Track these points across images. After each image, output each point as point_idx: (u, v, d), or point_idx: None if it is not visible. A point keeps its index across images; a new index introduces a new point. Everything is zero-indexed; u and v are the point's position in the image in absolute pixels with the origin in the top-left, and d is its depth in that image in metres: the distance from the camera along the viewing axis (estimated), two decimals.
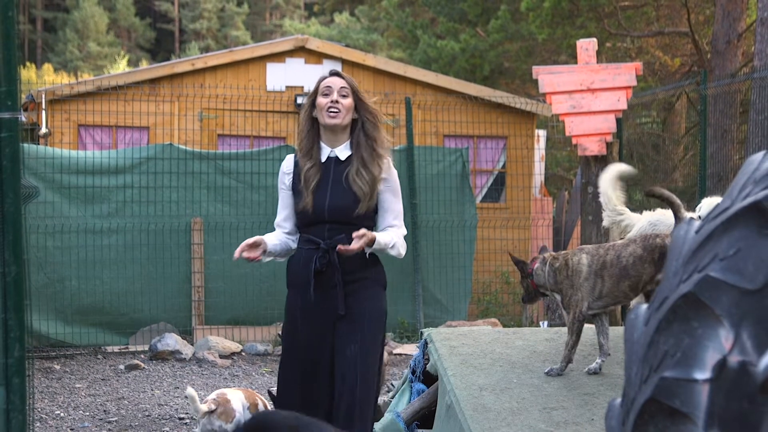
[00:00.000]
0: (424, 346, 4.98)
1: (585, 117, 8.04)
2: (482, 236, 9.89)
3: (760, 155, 1.17)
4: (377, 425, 4.41)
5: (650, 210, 5.78)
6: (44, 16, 42.44)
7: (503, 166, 11.09)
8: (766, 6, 8.92)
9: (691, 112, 13.69)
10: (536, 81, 8.33)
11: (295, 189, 3.59)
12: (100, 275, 8.37)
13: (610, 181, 5.47)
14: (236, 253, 3.50)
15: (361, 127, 3.56)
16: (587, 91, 8.03)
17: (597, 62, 8.17)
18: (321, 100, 3.53)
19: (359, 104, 3.56)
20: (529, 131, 11.08)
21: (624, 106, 8.09)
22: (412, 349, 7.60)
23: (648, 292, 4.39)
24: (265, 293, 8.72)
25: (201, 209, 8.68)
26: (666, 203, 4.41)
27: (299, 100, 10.61)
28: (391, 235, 3.56)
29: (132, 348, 8.28)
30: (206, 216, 8.68)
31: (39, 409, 5.93)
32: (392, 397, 5.11)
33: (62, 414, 6.03)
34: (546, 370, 4.41)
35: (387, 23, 23.92)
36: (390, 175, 3.61)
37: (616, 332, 5.33)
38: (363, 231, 3.39)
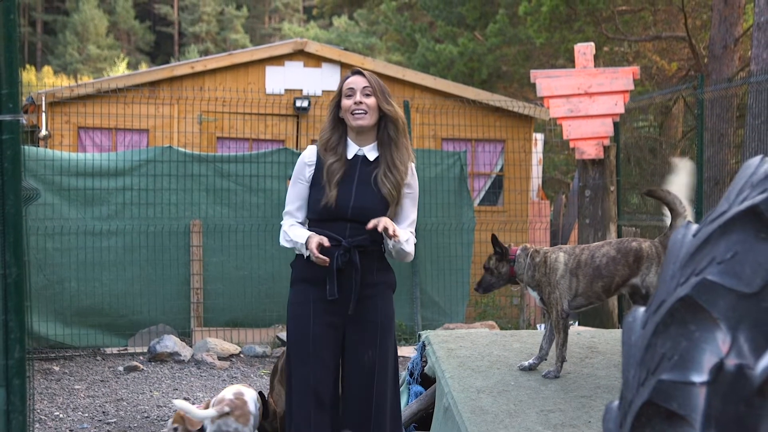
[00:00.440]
0: (422, 348, 5.01)
1: (582, 121, 8.07)
2: (480, 239, 9.91)
3: (757, 159, 1.18)
4: None
5: (648, 213, 5.82)
6: (44, 18, 42.46)
7: (501, 170, 11.12)
8: (762, 11, 8.96)
9: (687, 116, 13.74)
10: (534, 85, 8.36)
11: (316, 182, 3.52)
12: (99, 277, 8.39)
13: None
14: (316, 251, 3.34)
15: (385, 126, 3.53)
16: (585, 94, 8.06)
17: (594, 66, 8.21)
18: (345, 102, 3.50)
19: (381, 104, 3.50)
20: (526, 135, 11.12)
21: (621, 109, 8.13)
22: (410, 352, 7.62)
23: (631, 294, 4.49)
24: (263, 295, 8.74)
25: (200, 211, 8.70)
26: (663, 203, 4.44)
27: (298, 103, 10.64)
28: (406, 232, 3.52)
29: (131, 349, 8.30)
30: (205, 218, 8.71)
31: (38, 410, 5.95)
32: None
33: (61, 415, 6.05)
34: (543, 373, 4.42)
35: (385, 27, 23.95)
36: (413, 181, 3.57)
37: (613, 335, 5.37)
38: (384, 221, 3.35)
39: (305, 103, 10.61)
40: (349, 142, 3.54)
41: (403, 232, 3.46)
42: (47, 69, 34.85)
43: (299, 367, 3.46)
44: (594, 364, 4.94)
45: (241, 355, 8.21)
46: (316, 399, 3.41)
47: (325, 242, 3.35)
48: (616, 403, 1.23)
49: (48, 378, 7.17)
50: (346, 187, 3.46)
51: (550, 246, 10.92)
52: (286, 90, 10.82)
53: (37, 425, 5.63)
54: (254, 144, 10.58)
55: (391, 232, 3.32)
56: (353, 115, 3.46)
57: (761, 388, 0.99)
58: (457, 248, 9.23)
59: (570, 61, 11.73)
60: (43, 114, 9.84)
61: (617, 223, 8.55)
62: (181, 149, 8.90)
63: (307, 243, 3.40)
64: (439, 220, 9.19)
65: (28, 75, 29.42)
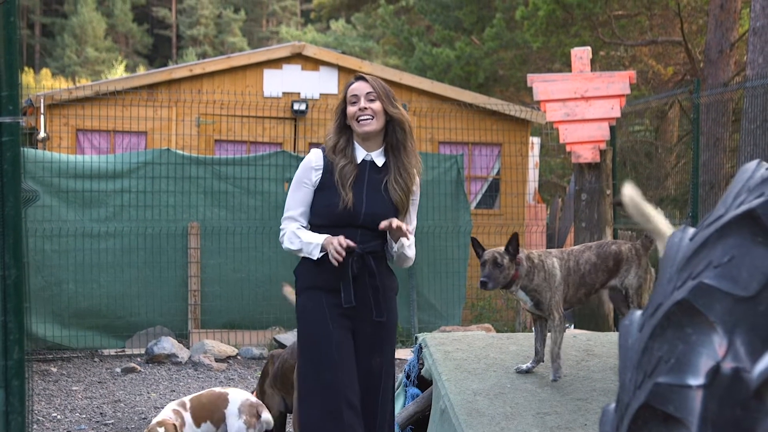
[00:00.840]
0: (419, 350, 5.02)
1: (579, 125, 8.09)
2: None
3: (753, 164, 1.18)
4: None
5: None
6: (42, 21, 42.45)
7: (497, 173, 11.15)
8: (758, 16, 9.00)
9: (683, 120, 13.78)
10: (531, 89, 8.38)
11: (324, 186, 3.44)
12: (97, 279, 8.40)
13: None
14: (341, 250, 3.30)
15: (393, 130, 3.49)
16: (581, 99, 8.08)
17: (591, 71, 8.23)
18: (350, 109, 3.46)
19: (387, 107, 3.47)
20: (523, 138, 11.16)
21: (618, 114, 8.15)
22: (406, 354, 7.65)
23: (610, 293, 4.59)
24: (260, 298, 8.76)
25: (198, 214, 8.73)
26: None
27: (296, 106, 10.68)
28: (411, 238, 3.54)
29: (128, 351, 8.31)
30: (203, 220, 8.73)
31: (36, 412, 5.96)
32: None
33: (59, 416, 6.06)
34: (552, 378, 4.38)
35: (383, 31, 23.99)
36: (418, 189, 3.57)
37: (609, 338, 5.39)
38: (393, 220, 3.35)
39: (303, 106, 10.64)
40: (357, 146, 3.49)
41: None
42: (45, 71, 34.85)
43: (325, 374, 3.35)
44: (590, 367, 4.96)
45: (238, 357, 8.23)
46: (348, 404, 3.34)
47: (351, 243, 3.30)
48: (613, 405, 1.24)
49: (46, 379, 7.18)
50: (356, 192, 3.40)
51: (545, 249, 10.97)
52: (283, 93, 10.85)
53: (35, 426, 5.64)
54: (252, 147, 10.60)
55: (404, 229, 3.33)
56: (359, 121, 3.42)
57: (758, 391, 0.99)
58: (454, 251, 9.26)
59: (566, 66, 11.77)
60: (42, 116, 9.86)
61: (613, 227, 8.58)
62: (179, 152, 8.92)
63: (325, 244, 3.33)
64: (435, 223, 9.22)
65: (27, 77, 29.43)
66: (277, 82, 10.87)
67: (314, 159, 3.49)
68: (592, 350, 5.21)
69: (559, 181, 16.48)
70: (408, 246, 3.48)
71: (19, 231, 4.01)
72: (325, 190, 3.43)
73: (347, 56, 12.13)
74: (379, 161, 3.48)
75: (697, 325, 1.08)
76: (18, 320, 4.01)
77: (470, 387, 4.51)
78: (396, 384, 4.35)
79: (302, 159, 9.06)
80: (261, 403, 4.64)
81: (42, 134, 9.84)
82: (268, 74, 10.88)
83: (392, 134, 3.48)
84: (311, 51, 11.05)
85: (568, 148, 8.17)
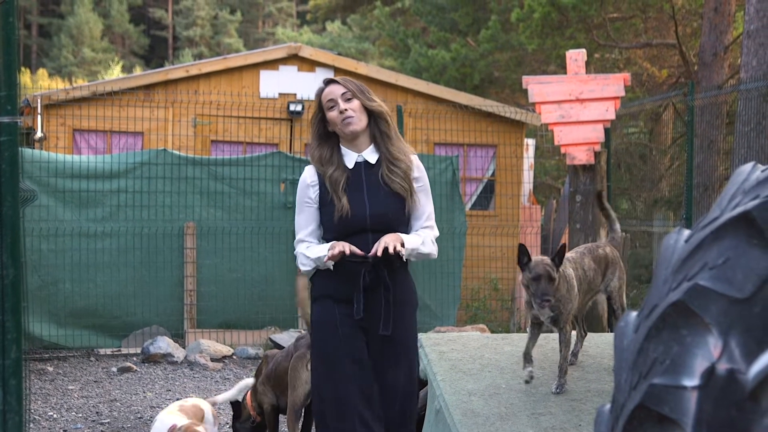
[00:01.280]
0: None
1: (574, 126, 8.12)
2: (471, 243, 9.99)
3: (748, 166, 1.19)
4: None
5: (638, 218, 6.01)
6: (39, 21, 42.44)
7: (492, 174, 11.19)
8: (752, 19, 9.06)
9: (677, 122, 13.84)
10: (526, 90, 8.41)
11: (324, 200, 3.35)
12: (93, 278, 8.42)
13: None
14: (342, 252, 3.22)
15: (375, 124, 3.39)
16: (576, 101, 8.12)
17: (586, 73, 8.27)
18: (331, 115, 3.35)
19: (365, 103, 3.36)
20: (518, 140, 11.20)
21: (612, 116, 8.18)
22: None
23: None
24: (256, 298, 8.79)
25: (194, 214, 8.75)
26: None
27: (292, 107, 10.71)
28: (419, 234, 3.38)
29: (124, 351, 8.33)
30: (199, 221, 8.76)
31: (32, 411, 5.96)
32: None
33: (55, 415, 6.07)
34: (555, 390, 4.28)
35: (378, 32, 24.04)
36: (422, 174, 3.45)
37: (605, 339, 5.43)
38: (382, 241, 3.21)
39: (299, 107, 10.68)
40: (345, 151, 3.38)
41: (413, 238, 3.34)
42: (42, 72, 34.86)
43: (335, 387, 3.30)
44: (585, 368, 4.99)
45: (234, 357, 8.25)
46: (360, 419, 3.27)
47: (357, 251, 3.21)
48: (608, 406, 1.24)
49: (42, 378, 7.19)
50: (357, 196, 3.30)
51: (541, 251, 11.00)
52: (280, 94, 10.88)
53: (32, 425, 5.65)
54: (248, 147, 10.63)
55: (391, 249, 3.17)
56: (344, 122, 3.32)
57: (753, 393, 0.99)
58: (449, 252, 9.29)
59: (561, 68, 11.80)
60: (39, 116, 9.87)
61: (607, 228, 8.62)
62: (176, 152, 8.94)
63: (331, 247, 3.23)
64: None
65: (24, 77, 29.41)
66: (274, 83, 10.90)
67: (308, 176, 3.40)
68: (587, 351, 5.24)
69: (553, 182, 16.52)
70: (421, 244, 3.34)
71: (17, 230, 4.02)
72: (327, 204, 3.35)
73: (343, 57, 12.16)
74: (372, 158, 3.38)
75: (692, 326, 1.09)
76: (16, 319, 4.03)
77: (465, 387, 4.54)
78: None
79: (298, 159, 9.04)
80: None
81: (39, 134, 9.86)
82: (265, 75, 10.91)
83: (375, 127, 3.39)
84: (307, 52, 11.09)
85: (562, 150, 8.20)
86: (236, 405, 5.05)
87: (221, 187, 8.84)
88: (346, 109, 3.32)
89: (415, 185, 3.40)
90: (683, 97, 9.12)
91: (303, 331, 8.16)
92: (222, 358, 8.12)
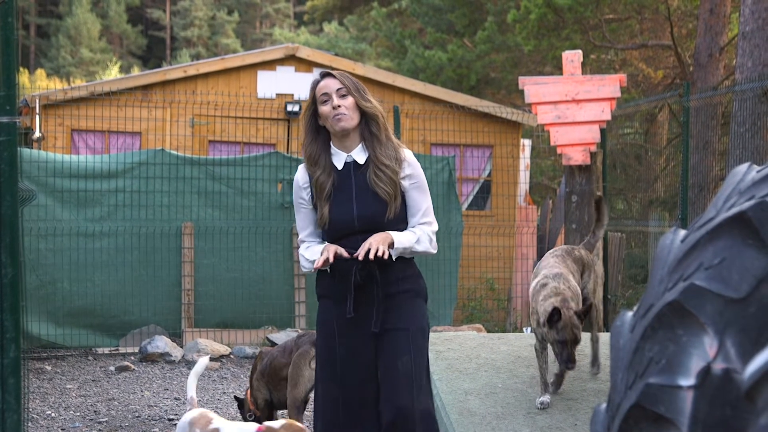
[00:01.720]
0: None
1: (570, 127, 8.15)
2: (468, 243, 10.03)
3: (744, 167, 1.20)
4: None
5: (633, 219, 6.08)
6: (37, 22, 42.42)
7: (489, 175, 11.23)
8: (747, 20, 9.10)
9: (673, 123, 13.87)
10: (522, 91, 8.45)
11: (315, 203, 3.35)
12: (91, 278, 8.45)
13: None
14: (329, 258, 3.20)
15: (366, 124, 3.31)
16: (572, 101, 8.15)
17: (582, 74, 8.30)
18: (323, 109, 3.29)
19: (359, 102, 3.28)
20: (514, 140, 11.24)
21: (608, 116, 8.21)
22: None
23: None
24: (254, 297, 8.82)
25: (192, 214, 8.78)
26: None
27: (289, 108, 10.74)
28: (415, 231, 3.31)
29: (122, 350, 8.35)
30: (197, 220, 8.79)
31: (30, 410, 5.98)
32: None
33: (53, 414, 6.09)
34: (538, 404, 4.33)
35: (375, 33, 24.07)
36: (414, 170, 3.35)
37: (602, 338, 5.48)
38: (367, 243, 3.15)
39: (296, 108, 10.71)
40: (335, 150, 3.32)
41: (406, 235, 3.27)
42: (40, 72, 34.89)
43: (327, 387, 3.31)
44: (580, 367, 5.02)
45: (231, 356, 8.28)
46: (351, 419, 3.26)
47: (344, 253, 3.18)
48: (604, 405, 1.26)
49: (40, 377, 7.22)
50: (345, 198, 3.26)
51: (537, 251, 11.04)
52: (277, 94, 10.91)
53: (30, 424, 5.67)
54: (245, 147, 10.66)
55: (372, 254, 3.11)
56: (335, 119, 3.25)
57: (748, 392, 1.00)
58: (446, 252, 9.33)
59: (558, 69, 11.86)
60: (37, 116, 9.90)
61: (592, 229, 8.66)
62: (173, 152, 8.97)
63: (323, 251, 3.23)
64: None
65: (22, 78, 29.43)
66: (271, 84, 10.93)
67: (300, 177, 3.37)
68: (583, 351, 5.28)
69: (549, 182, 16.56)
70: (416, 242, 3.27)
71: (16, 230, 4.03)
72: (317, 206, 3.35)
73: (340, 58, 12.20)
74: (361, 158, 3.31)
75: (688, 326, 1.09)
76: (14, 318, 4.04)
77: (462, 386, 4.57)
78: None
79: (295, 159, 9.07)
80: None
81: (37, 134, 9.89)
82: (262, 76, 10.94)
83: (365, 128, 3.31)
84: (305, 53, 11.12)
85: (558, 151, 8.23)
86: (240, 401, 5.16)
87: (219, 187, 8.87)
88: (339, 106, 3.25)
89: (407, 182, 3.33)
90: (679, 98, 9.15)
91: (301, 330, 8.20)
92: (219, 358, 8.14)
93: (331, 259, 3.17)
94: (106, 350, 8.36)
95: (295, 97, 10.92)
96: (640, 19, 14.82)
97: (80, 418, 5.98)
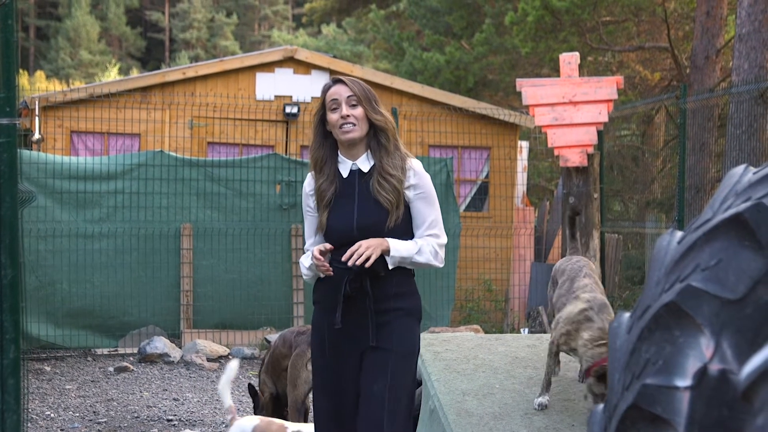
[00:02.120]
0: None
1: (567, 129, 8.17)
2: (465, 244, 10.06)
3: (740, 169, 1.20)
4: None
5: (630, 220, 6.11)
6: (37, 24, 42.43)
7: (486, 176, 11.27)
8: (744, 23, 9.14)
9: (669, 125, 13.92)
10: (519, 93, 8.47)
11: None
12: (90, 279, 8.48)
13: None
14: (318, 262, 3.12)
15: (374, 135, 3.23)
16: (569, 103, 8.17)
17: (579, 76, 8.33)
18: (332, 117, 3.19)
19: (369, 114, 3.19)
20: (512, 142, 11.27)
21: (605, 118, 8.23)
22: None
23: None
24: (252, 298, 8.85)
25: (190, 215, 8.81)
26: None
27: (288, 110, 10.77)
28: (417, 241, 3.19)
29: (121, 350, 8.38)
30: (195, 222, 8.81)
31: (30, 410, 6.00)
32: None
33: (53, 414, 6.11)
34: (536, 406, 4.34)
35: (373, 35, 24.09)
36: (420, 181, 3.22)
37: None
38: (357, 245, 3.06)
39: (295, 110, 10.74)
40: (342, 158, 3.25)
41: (407, 245, 3.16)
42: (40, 74, 34.90)
43: (318, 396, 3.27)
44: (577, 368, 5.04)
45: (230, 357, 8.30)
46: (336, 429, 3.23)
47: (327, 246, 3.11)
48: (601, 406, 1.25)
49: (39, 378, 7.24)
50: (347, 206, 3.18)
51: (534, 252, 11.07)
52: (275, 96, 10.94)
53: (29, 425, 5.69)
54: (244, 149, 10.69)
55: (359, 261, 3.01)
56: (341, 129, 3.17)
57: (745, 393, 1.00)
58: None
59: (555, 71, 11.88)
60: (37, 118, 9.93)
61: (600, 230, 8.70)
62: (172, 154, 9.00)
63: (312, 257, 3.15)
64: None
65: (21, 79, 29.44)
66: (270, 86, 10.96)
67: (307, 184, 3.31)
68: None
69: (547, 184, 16.58)
70: (417, 253, 3.16)
71: (16, 231, 4.05)
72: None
73: (338, 60, 12.24)
74: (366, 166, 3.22)
75: (684, 327, 1.09)
76: (14, 319, 4.05)
77: (459, 387, 4.58)
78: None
79: (293, 161, 9.07)
80: None
81: (37, 136, 9.91)
82: (261, 78, 10.97)
83: (373, 138, 3.23)
84: (303, 55, 11.15)
85: (556, 152, 8.26)
86: (255, 394, 5.21)
87: (217, 188, 8.90)
88: (348, 115, 3.16)
89: (412, 192, 3.20)
90: (675, 100, 9.19)
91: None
92: (218, 358, 8.17)
93: (316, 260, 3.08)
94: (105, 351, 8.38)
95: (294, 99, 10.96)
96: (637, 22, 14.85)
97: (79, 419, 6.01)
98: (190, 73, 10.86)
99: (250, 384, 5.36)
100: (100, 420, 5.97)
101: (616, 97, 8.23)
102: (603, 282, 8.49)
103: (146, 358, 7.93)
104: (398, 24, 22.36)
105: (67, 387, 6.97)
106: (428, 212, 3.22)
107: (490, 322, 9.94)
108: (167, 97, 10.39)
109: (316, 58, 11.38)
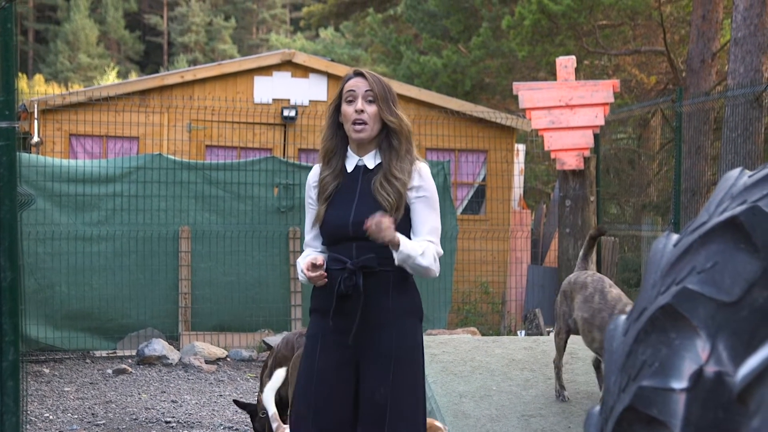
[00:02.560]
0: None
1: (563, 132, 8.21)
2: (462, 247, 10.09)
3: (736, 172, 1.20)
4: None
5: (627, 223, 6.15)
6: (36, 27, 42.44)
7: (483, 179, 11.30)
8: (739, 26, 9.18)
9: (665, 128, 13.94)
10: (516, 97, 8.51)
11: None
12: (89, 281, 8.49)
13: None
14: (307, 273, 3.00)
15: (387, 135, 3.13)
16: (566, 107, 8.22)
17: (575, 79, 8.37)
18: (346, 110, 3.09)
19: (383, 114, 3.09)
20: (508, 145, 11.31)
21: (601, 122, 8.28)
22: None
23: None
24: (250, 300, 8.87)
25: (189, 218, 8.83)
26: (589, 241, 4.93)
27: (286, 113, 10.80)
28: (422, 244, 3.03)
29: (120, 353, 8.40)
30: (194, 225, 8.84)
31: (29, 412, 6.00)
32: None
33: (51, 417, 6.11)
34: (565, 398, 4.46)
35: (371, 39, 24.12)
36: (424, 183, 3.10)
37: None
38: (381, 217, 2.88)
39: (293, 113, 10.77)
40: (350, 152, 3.16)
41: (414, 244, 3.01)
42: (38, 77, 34.88)
43: (302, 405, 3.11)
44: (574, 370, 5.07)
45: (228, 359, 8.33)
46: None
47: (319, 260, 2.98)
48: (598, 408, 1.26)
49: (38, 380, 7.25)
50: (346, 202, 3.08)
51: (531, 255, 11.11)
52: (273, 99, 10.98)
53: (28, 426, 5.69)
54: (242, 152, 10.73)
55: (384, 228, 2.85)
56: (353, 126, 3.07)
57: (740, 395, 1.00)
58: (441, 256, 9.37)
59: (551, 74, 11.92)
60: (35, 121, 9.96)
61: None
62: (171, 157, 9.02)
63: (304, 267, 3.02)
64: None
65: (20, 83, 29.39)
66: (268, 89, 10.99)
67: (311, 176, 3.22)
68: (576, 353, 5.32)
69: (543, 187, 16.62)
70: (421, 254, 2.99)
71: (15, 234, 4.06)
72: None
73: (336, 64, 12.27)
74: (371, 164, 3.13)
75: (680, 329, 1.10)
76: (13, 322, 4.07)
77: (456, 389, 4.61)
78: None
79: (291, 164, 9.07)
80: None
81: (35, 139, 9.94)
82: (259, 81, 11.01)
83: (385, 138, 3.13)
84: (301, 58, 11.19)
85: (552, 155, 8.30)
86: (244, 406, 5.16)
87: (216, 191, 8.93)
88: (362, 111, 3.06)
89: (413, 194, 3.08)
90: (671, 104, 9.22)
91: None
92: (216, 360, 8.19)
93: (308, 276, 2.98)
94: (104, 353, 8.40)
95: (292, 102, 10.99)
96: (634, 26, 14.90)
97: (78, 421, 6.02)
98: (189, 77, 10.90)
99: (235, 400, 5.31)
100: (98, 422, 5.98)
101: (612, 100, 8.28)
102: None
103: (144, 360, 7.95)
104: (396, 28, 22.40)
105: (66, 389, 6.99)
106: (429, 217, 3.10)
107: (487, 325, 9.97)
108: (166, 100, 10.42)
109: (314, 61, 11.41)
